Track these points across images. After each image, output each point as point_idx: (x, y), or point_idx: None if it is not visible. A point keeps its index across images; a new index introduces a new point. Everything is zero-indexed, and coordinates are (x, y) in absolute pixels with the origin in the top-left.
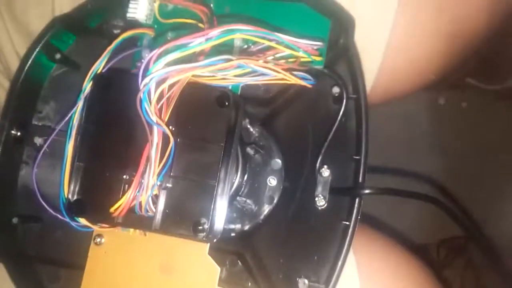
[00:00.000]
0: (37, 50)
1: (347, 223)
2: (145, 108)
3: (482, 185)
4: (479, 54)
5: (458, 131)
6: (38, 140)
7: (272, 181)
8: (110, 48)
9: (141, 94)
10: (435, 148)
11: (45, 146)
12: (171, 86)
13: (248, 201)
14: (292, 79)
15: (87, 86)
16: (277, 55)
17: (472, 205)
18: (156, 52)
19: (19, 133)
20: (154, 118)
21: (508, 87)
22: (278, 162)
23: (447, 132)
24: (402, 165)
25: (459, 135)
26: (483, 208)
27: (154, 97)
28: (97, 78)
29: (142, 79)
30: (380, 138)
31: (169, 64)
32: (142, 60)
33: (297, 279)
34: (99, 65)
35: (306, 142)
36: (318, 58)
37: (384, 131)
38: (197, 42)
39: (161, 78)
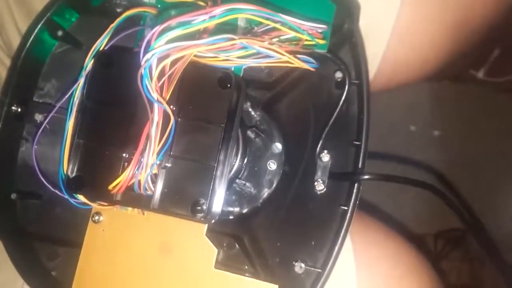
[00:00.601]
0: (39, 26)
1: (346, 208)
2: (146, 84)
3: (482, 176)
4: (483, 45)
5: (459, 122)
6: (38, 117)
7: (272, 165)
8: (112, 25)
9: (142, 70)
10: (435, 139)
11: (45, 122)
12: (172, 64)
13: (248, 184)
14: (296, 62)
15: (89, 63)
16: (281, 37)
17: (471, 196)
18: (159, 28)
19: (19, 109)
20: (155, 95)
21: (509, 80)
22: (278, 146)
23: (448, 122)
24: (402, 154)
25: (460, 126)
26: (482, 200)
27: (155, 74)
28: (98, 56)
29: (144, 55)
30: (380, 127)
31: (172, 41)
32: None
33: (294, 263)
34: (101, 43)
35: (307, 126)
36: (322, 42)
37: (384, 121)
38: (200, 20)
39: (163, 55)
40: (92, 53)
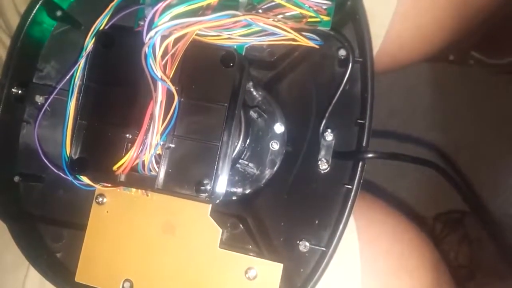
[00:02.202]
0: (37, 7)
1: (349, 186)
2: (150, 62)
3: (482, 158)
4: (485, 27)
5: (460, 104)
6: (39, 99)
7: (275, 145)
8: (112, 4)
9: (146, 48)
10: (437, 121)
11: (46, 104)
12: (176, 42)
13: (250, 164)
14: (301, 40)
15: (89, 43)
16: (285, 14)
17: (472, 177)
18: (162, 4)
19: (20, 92)
20: (159, 73)
21: (511, 62)
22: (281, 126)
23: (449, 104)
24: (403, 137)
25: (461, 108)
26: (482, 181)
27: (159, 52)
28: (99, 35)
29: (147, 33)
30: (381, 111)
31: (175, 18)
32: (145, 18)
33: (298, 242)
34: (101, 22)
35: (310, 106)
36: (326, 18)
37: (385, 104)
38: None
39: (166, 33)
40: (92, 33)
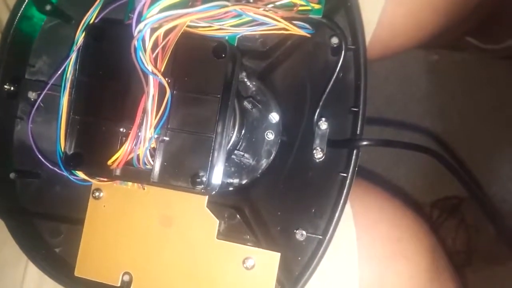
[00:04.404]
0: (26, 1)
1: (345, 174)
2: (140, 56)
3: (479, 144)
4: (480, 12)
5: (456, 91)
6: (32, 95)
7: (270, 135)
8: None
9: (135, 42)
10: (433, 109)
11: (39, 100)
12: (166, 34)
13: (246, 155)
14: (292, 29)
15: (80, 37)
16: (276, 3)
17: (468, 163)
18: None
19: (12, 88)
20: (150, 67)
21: (506, 47)
22: (275, 116)
23: (445, 92)
24: (400, 125)
25: (457, 95)
26: (479, 167)
27: (149, 45)
28: (89, 29)
29: (136, 26)
30: (377, 100)
31: (164, 10)
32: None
33: (295, 230)
34: (91, 16)
35: (304, 95)
36: (317, 6)
37: (381, 93)
38: None
39: (155, 25)
40: (82, 27)
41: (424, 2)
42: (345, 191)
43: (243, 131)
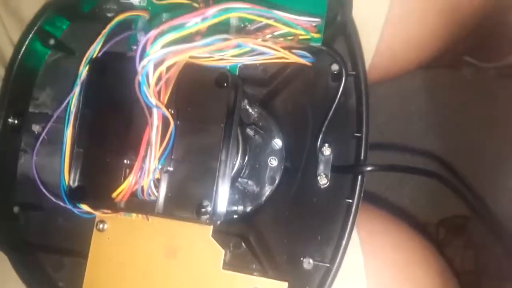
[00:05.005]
0: (30, 36)
1: (350, 201)
2: (144, 90)
3: (481, 162)
4: (477, 33)
5: (455, 109)
6: (36, 128)
7: (273, 162)
8: (104, 32)
9: (139, 77)
10: (433, 127)
11: (43, 133)
12: (168, 68)
13: (250, 182)
14: (291, 58)
15: (83, 71)
16: (275, 33)
17: (472, 181)
18: (153, 33)
19: (16, 121)
20: (153, 100)
21: (503, 66)
22: (278, 142)
23: (445, 110)
24: (400, 145)
25: (456, 113)
26: (483, 185)
27: (152, 80)
28: (93, 63)
29: (140, 62)
30: (377, 119)
31: (166, 45)
32: (138, 43)
33: (302, 259)
34: (94, 50)
35: (306, 121)
36: (317, 35)
37: (381, 112)
38: (193, 22)
39: (158, 60)
40: (85, 60)
41: (422, 27)
42: (351, 218)
43: (246, 158)
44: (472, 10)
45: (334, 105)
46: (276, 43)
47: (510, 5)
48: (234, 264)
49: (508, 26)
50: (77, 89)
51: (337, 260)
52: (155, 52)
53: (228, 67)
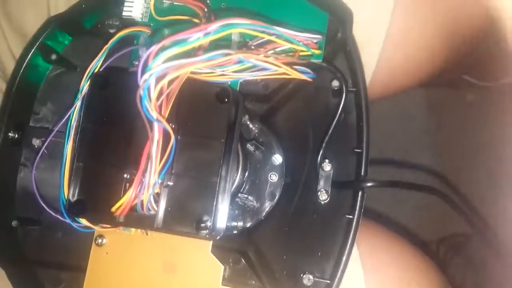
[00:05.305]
0: (32, 51)
1: (351, 216)
2: (145, 105)
3: (481, 179)
4: (475, 51)
5: (455, 127)
6: (36, 142)
7: (273, 177)
8: (106, 47)
9: (141, 91)
10: (434, 145)
11: (43, 147)
12: (170, 82)
13: (250, 197)
14: (292, 73)
15: (85, 86)
16: (276, 49)
17: (472, 199)
18: (155, 47)
19: (16, 135)
20: (155, 114)
21: (502, 85)
22: (278, 158)
23: (444, 128)
24: (401, 161)
25: (456, 131)
26: (483, 202)
27: (154, 94)
28: (94, 78)
29: (141, 76)
30: (377, 136)
31: (168, 59)
32: (140, 59)
33: (302, 275)
34: (96, 65)
35: (307, 137)
36: (317, 52)
37: (381, 130)
38: (196, 37)
39: (160, 74)
40: (87, 75)
41: (421, 45)
42: (351, 234)
43: (246, 174)
44: (470, 30)
45: (335, 121)
46: (277, 59)
47: (506, 28)
48: (233, 279)
49: (504, 48)
50: (78, 104)
51: (337, 276)
52: (157, 66)
53: (229, 83)
